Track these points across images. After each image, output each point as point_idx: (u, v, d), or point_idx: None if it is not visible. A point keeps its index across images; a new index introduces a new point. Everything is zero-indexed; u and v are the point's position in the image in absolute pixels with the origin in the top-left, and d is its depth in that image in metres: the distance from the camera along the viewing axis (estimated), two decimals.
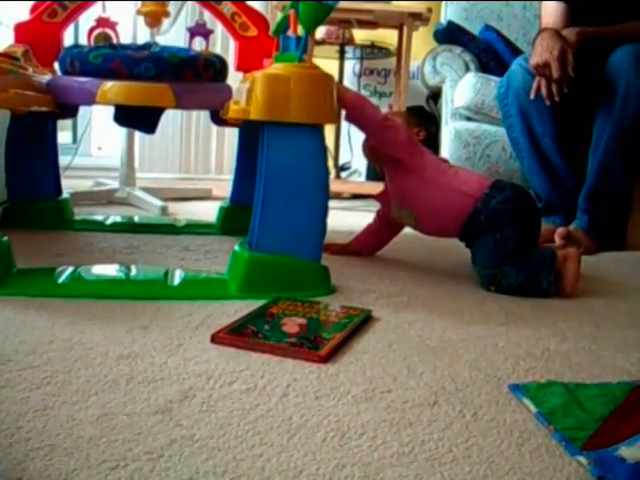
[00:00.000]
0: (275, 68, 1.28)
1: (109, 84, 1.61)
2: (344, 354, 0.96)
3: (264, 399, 0.79)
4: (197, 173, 3.59)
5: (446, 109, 2.83)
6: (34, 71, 1.72)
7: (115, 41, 2.07)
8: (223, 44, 3.40)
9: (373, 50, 3.47)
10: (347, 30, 3.31)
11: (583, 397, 0.82)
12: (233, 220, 1.96)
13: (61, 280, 1.23)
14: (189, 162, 3.59)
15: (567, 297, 1.40)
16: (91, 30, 2.07)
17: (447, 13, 3.25)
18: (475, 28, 3.06)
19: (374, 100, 3.66)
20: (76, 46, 1.85)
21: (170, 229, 1.98)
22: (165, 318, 1.09)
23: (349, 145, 3.45)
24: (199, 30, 2.09)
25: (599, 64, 1.99)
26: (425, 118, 1.73)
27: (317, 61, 2.77)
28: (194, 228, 2.01)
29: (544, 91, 1.96)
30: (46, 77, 1.74)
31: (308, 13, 1.24)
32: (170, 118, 3.33)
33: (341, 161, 3.51)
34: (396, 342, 1.03)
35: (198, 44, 2.15)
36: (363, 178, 3.52)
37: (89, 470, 0.60)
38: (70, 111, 1.92)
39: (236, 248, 1.32)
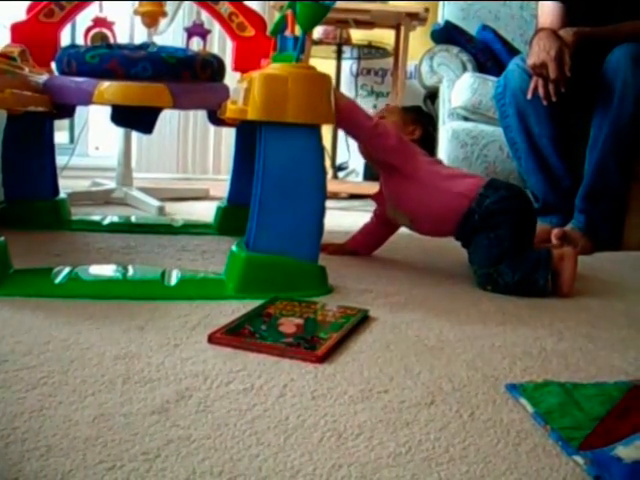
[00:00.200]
0: (272, 68, 1.28)
1: (106, 84, 1.61)
2: (341, 354, 0.96)
3: (261, 399, 0.79)
4: (194, 173, 3.59)
5: (443, 109, 2.83)
6: (31, 71, 1.72)
7: (112, 41, 2.07)
8: (220, 44, 3.40)
9: (370, 50, 3.47)
10: (344, 30, 3.32)
11: (580, 397, 0.82)
12: (230, 220, 1.96)
13: (58, 280, 1.23)
14: (186, 162, 3.59)
15: (564, 296, 1.40)
16: (88, 30, 2.07)
17: (444, 13, 3.25)
18: (472, 28, 3.07)
19: (371, 100, 3.67)
20: (73, 46, 1.85)
21: (167, 229, 1.98)
22: (162, 318, 1.08)
23: (346, 145, 3.46)
24: (196, 30, 2.09)
25: (596, 64, 2.00)
26: (422, 116, 1.70)
27: (314, 61, 2.80)
28: (191, 228, 2.01)
29: (541, 91, 1.96)
30: (43, 77, 1.74)
31: (305, 13, 1.24)
32: (167, 118, 3.33)
33: (338, 161, 3.51)
34: (393, 342, 1.03)
35: (196, 44, 2.15)
36: (360, 178, 3.52)
37: (85, 470, 0.60)
38: (67, 111, 1.92)
39: (233, 248, 1.32)
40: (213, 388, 0.81)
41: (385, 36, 3.33)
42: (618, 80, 1.93)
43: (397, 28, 3.01)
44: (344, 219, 2.21)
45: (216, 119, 1.73)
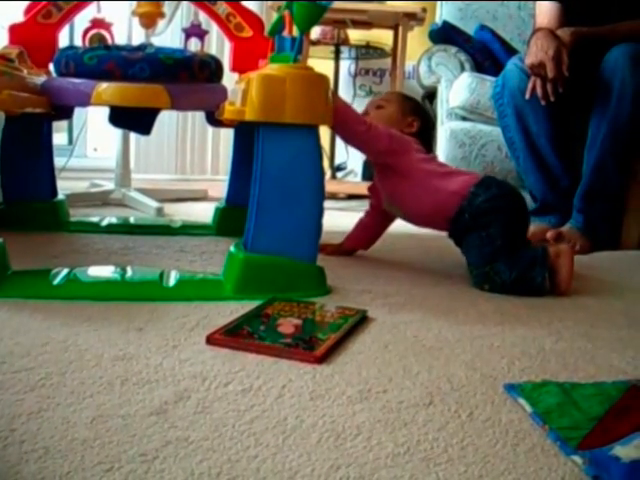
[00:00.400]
0: (270, 69, 1.28)
1: (104, 85, 1.61)
2: (339, 355, 0.96)
3: (259, 400, 0.79)
4: (193, 174, 3.59)
5: (442, 109, 2.83)
6: (29, 72, 1.72)
7: (110, 42, 2.07)
8: (218, 45, 3.40)
9: (368, 50, 3.48)
10: (342, 30, 3.32)
11: (578, 397, 0.82)
12: (229, 221, 1.96)
13: (56, 282, 1.23)
14: (185, 163, 3.58)
15: (562, 293, 1.40)
16: (86, 31, 2.08)
17: (442, 13, 3.25)
18: (470, 28, 3.07)
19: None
20: (71, 47, 1.85)
21: (166, 230, 1.98)
22: (160, 319, 1.08)
23: (345, 145, 3.45)
24: (194, 31, 2.09)
25: (594, 64, 2.00)
26: (421, 107, 1.68)
27: (312, 61, 2.80)
28: (190, 229, 2.01)
29: (539, 91, 1.96)
30: (41, 78, 1.74)
31: (302, 13, 1.24)
32: (165, 119, 3.32)
33: (337, 161, 3.51)
34: (392, 342, 1.03)
35: (194, 45, 2.15)
36: (359, 178, 3.52)
37: (83, 472, 0.60)
38: (65, 112, 1.92)
39: (231, 249, 1.32)
40: (211, 389, 0.81)
41: (383, 36, 3.34)
42: (616, 79, 1.93)
43: (395, 28, 3.01)
44: (342, 219, 2.21)
45: (214, 120, 1.73)
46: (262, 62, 1.83)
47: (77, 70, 1.67)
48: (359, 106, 1.81)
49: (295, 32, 1.31)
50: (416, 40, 3.18)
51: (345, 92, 3.70)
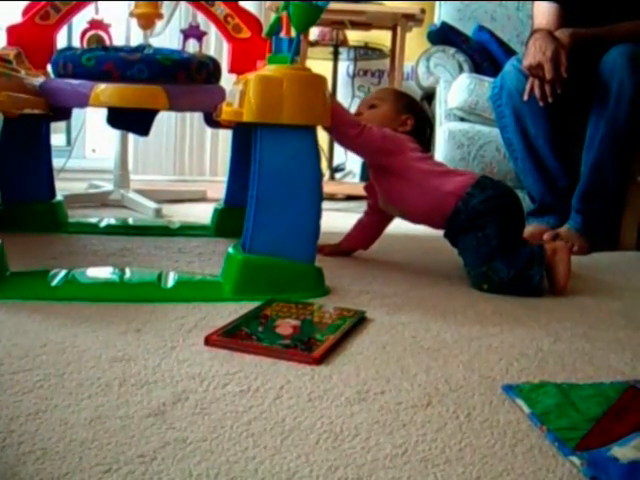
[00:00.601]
0: (268, 70, 1.28)
1: (102, 86, 1.61)
2: (338, 356, 0.96)
3: (257, 401, 0.78)
4: (191, 175, 3.59)
5: (440, 110, 2.83)
6: (27, 73, 1.72)
7: (108, 43, 2.07)
8: (217, 46, 3.40)
9: (367, 51, 3.48)
10: (340, 31, 3.32)
11: (576, 397, 0.82)
12: (227, 222, 1.96)
13: (54, 283, 1.23)
14: (183, 164, 3.58)
15: (561, 290, 1.41)
16: (84, 32, 2.07)
17: (441, 14, 3.25)
18: (469, 29, 3.07)
19: None
20: (69, 48, 1.85)
21: (164, 231, 1.98)
22: (159, 320, 1.08)
23: None
24: (192, 32, 2.09)
25: (592, 65, 2.00)
26: (415, 104, 1.66)
27: (311, 62, 2.80)
28: (188, 230, 2.01)
29: (537, 92, 1.97)
30: (39, 79, 1.74)
31: (299, 14, 1.24)
32: (164, 120, 3.33)
33: (335, 162, 3.51)
34: (390, 343, 1.03)
35: (192, 46, 2.15)
36: (357, 179, 3.52)
37: (81, 474, 0.60)
38: (63, 113, 1.92)
39: (230, 250, 1.32)
40: (210, 390, 0.81)
41: (381, 37, 3.34)
42: (614, 80, 1.93)
43: (393, 29, 3.01)
44: (341, 220, 2.21)
45: (212, 121, 1.72)
46: (260, 63, 1.83)
47: (75, 71, 1.67)
48: None
49: (292, 33, 1.31)
50: (414, 41, 3.18)
51: (344, 93, 3.70)
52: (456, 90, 2.67)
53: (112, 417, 0.72)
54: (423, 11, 2.80)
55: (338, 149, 3.46)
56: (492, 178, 1.53)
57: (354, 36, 3.41)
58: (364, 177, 3.36)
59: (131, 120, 1.89)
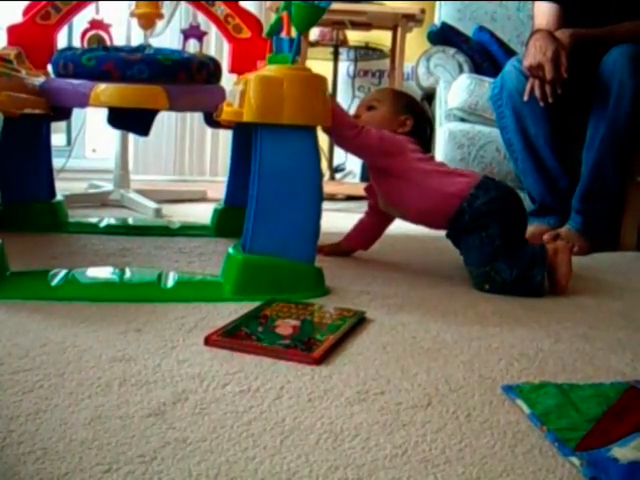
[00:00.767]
0: (268, 70, 1.28)
1: (102, 86, 1.61)
2: (338, 356, 0.96)
3: (257, 401, 0.78)
4: (191, 175, 3.59)
5: (440, 110, 2.83)
6: (27, 73, 1.72)
7: (108, 43, 2.07)
8: (217, 46, 3.40)
9: (367, 51, 3.48)
10: (341, 31, 3.32)
11: (576, 398, 0.82)
12: (227, 222, 1.96)
13: (55, 283, 1.23)
14: (183, 164, 3.58)
15: (563, 289, 1.42)
16: (84, 32, 2.07)
17: (441, 14, 3.25)
18: (469, 29, 3.07)
19: None
20: (69, 48, 1.85)
21: (164, 231, 1.98)
22: (159, 320, 1.08)
23: None
24: (193, 32, 2.09)
25: (592, 65, 2.00)
26: (414, 104, 1.64)
27: (311, 62, 2.80)
28: (188, 230, 2.01)
29: (537, 92, 1.96)
30: (39, 79, 1.74)
31: (300, 14, 1.24)
32: (164, 120, 3.33)
33: (335, 162, 3.51)
34: (390, 344, 1.03)
35: (192, 46, 2.15)
36: (357, 180, 3.52)
37: (81, 473, 0.60)
38: (64, 113, 1.92)
39: (230, 250, 1.32)
40: (209, 390, 0.81)
41: (382, 37, 3.34)
42: (615, 81, 1.93)
43: (394, 29, 3.02)
44: (341, 220, 2.21)
45: (212, 121, 1.73)
46: (260, 63, 1.83)
47: (75, 71, 1.67)
48: None
49: (293, 33, 1.31)
50: (415, 41, 3.18)
51: (344, 93, 3.70)
52: (456, 90, 2.67)
53: (112, 417, 0.72)
54: (423, 11, 2.80)
55: (338, 149, 3.46)
56: (494, 179, 1.53)
57: (354, 36, 3.41)
58: (364, 177, 3.36)
59: (131, 120, 1.89)
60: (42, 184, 1.93)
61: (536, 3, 2.24)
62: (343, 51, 3.49)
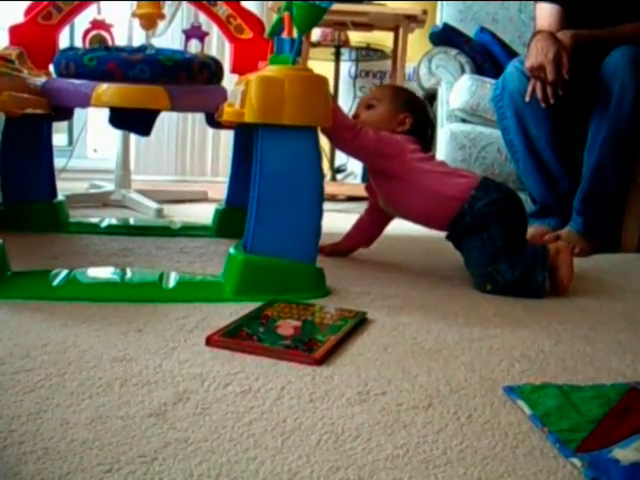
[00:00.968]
0: (269, 70, 1.28)
1: (104, 86, 1.61)
2: (339, 356, 0.96)
3: (258, 402, 0.78)
4: (193, 175, 3.59)
5: (442, 111, 2.83)
6: (29, 73, 1.73)
7: (110, 43, 2.07)
8: (219, 46, 3.40)
9: (369, 52, 3.47)
10: (342, 32, 3.32)
11: (577, 399, 0.82)
12: (229, 222, 1.96)
13: (56, 283, 1.23)
14: (184, 164, 3.58)
15: (564, 290, 1.42)
16: (86, 32, 2.07)
17: (443, 15, 3.25)
18: (470, 30, 3.07)
19: None
20: (71, 48, 1.85)
21: (165, 231, 1.98)
22: (160, 321, 1.08)
23: None
24: (195, 32, 2.09)
25: (594, 66, 2.00)
26: (413, 101, 1.61)
27: (312, 63, 2.80)
28: (189, 230, 2.01)
29: (539, 94, 1.96)
30: (41, 79, 1.74)
31: (301, 15, 1.24)
32: (165, 120, 3.33)
33: (337, 163, 3.51)
34: (391, 344, 1.03)
35: (194, 47, 2.15)
36: (359, 180, 3.52)
37: (83, 473, 0.60)
38: (65, 113, 1.92)
39: (231, 251, 1.32)
40: (211, 391, 0.81)
41: (383, 38, 3.34)
42: (616, 82, 1.93)
43: (395, 30, 3.01)
44: (342, 221, 2.21)
45: (214, 121, 1.73)
46: (262, 64, 1.83)
47: (77, 71, 1.67)
48: None
49: (294, 33, 1.31)
50: (416, 42, 3.18)
51: (345, 94, 3.70)
52: (458, 91, 2.67)
53: (113, 417, 0.72)
54: (425, 12, 2.80)
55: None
56: (493, 180, 1.52)
57: (356, 37, 3.41)
58: (365, 178, 3.35)
59: (133, 120, 1.89)
60: (43, 184, 1.93)
61: (538, 4, 2.25)
62: (345, 52, 3.49)
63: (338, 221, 2.15)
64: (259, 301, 1.18)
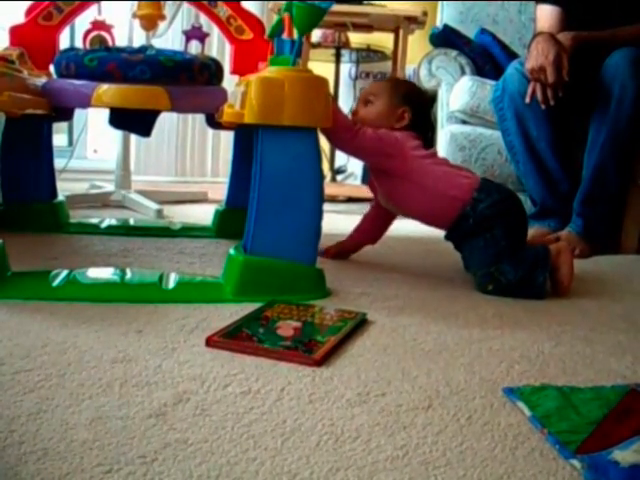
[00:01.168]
0: (269, 71, 1.28)
1: (104, 87, 1.61)
2: (339, 357, 0.96)
3: (258, 403, 0.79)
4: (193, 176, 3.59)
5: (442, 112, 2.83)
6: (29, 74, 1.72)
7: (111, 44, 2.07)
8: (219, 47, 3.41)
9: (369, 53, 3.48)
10: (343, 33, 3.32)
11: (577, 400, 0.82)
12: (229, 223, 1.96)
13: (56, 283, 1.23)
14: (185, 165, 3.58)
15: (565, 290, 1.42)
16: (87, 33, 2.07)
17: (443, 16, 3.25)
18: (471, 32, 3.07)
19: None
20: (71, 49, 1.85)
21: (165, 232, 1.98)
22: (160, 321, 1.08)
23: None
24: (195, 33, 2.09)
25: (594, 68, 2.00)
26: (412, 94, 1.57)
27: (313, 64, 2.81)
28: (189, 231, 2.01)
29: (539, 95, 1.97)
30: (41, 80, 1.74)
31: (302, 16, 1.24)
32: (166, 121, 3.33)
33: (337, 164, 3.51)
34: (391, 346, 1.03)
35: (194, 47, 2.15)
36: (359, 181, 3.52)
37: (82, 474, 0.60)
38: (65, 114, 1.92)
39: (231, 251, 1.32)
40: (210, 391, 0.81)
41: (384, 39, 3.34)
42: (616, 84, 1.93)
43: (396, 31, 3.02)
44: (342, 222, 2.21)
45: (214, 122, 1.73)
46: (262, 65, 1.83)
47: (77, 72, 1.67)
48: None
49: (295, 35, 1.31)
50: (417, 43, 3.18)
51: (345, 95, 3.70)
52: (458, 93, 2.67)
53: (113, 418, 0.72)
54: (425, 13, 2.81)
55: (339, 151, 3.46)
56: (492, 181, 1.53)
57: (356, 38, 3.41)
58: (365, 179, 3.36)
59: (133, 121, 1.89)
60: (43, 184, 1.93)
61: (538, 6, 2.25)
62: (345, 53, 3.50)
63: (338, 222, 2.15)
64: (259, 302, 1.18)
